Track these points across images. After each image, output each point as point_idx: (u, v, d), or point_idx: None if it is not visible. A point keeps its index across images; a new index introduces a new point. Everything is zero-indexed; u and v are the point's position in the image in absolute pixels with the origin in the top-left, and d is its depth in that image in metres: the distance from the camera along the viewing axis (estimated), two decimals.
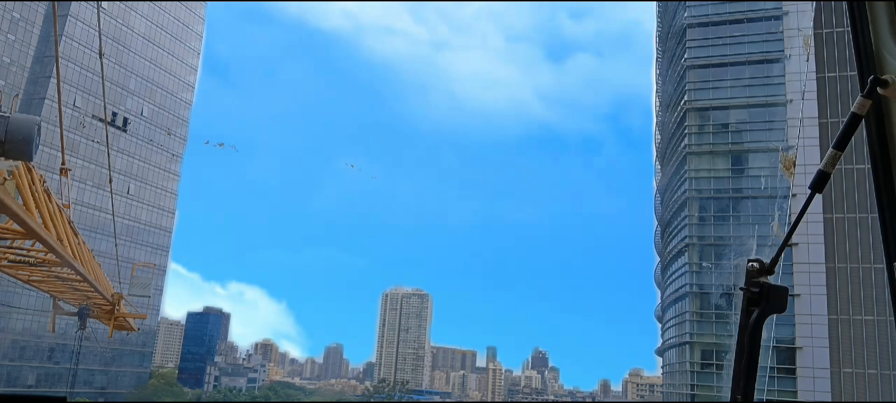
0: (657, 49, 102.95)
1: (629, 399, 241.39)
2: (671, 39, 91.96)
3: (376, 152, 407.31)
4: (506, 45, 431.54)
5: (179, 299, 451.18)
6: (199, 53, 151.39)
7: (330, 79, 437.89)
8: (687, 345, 79.02)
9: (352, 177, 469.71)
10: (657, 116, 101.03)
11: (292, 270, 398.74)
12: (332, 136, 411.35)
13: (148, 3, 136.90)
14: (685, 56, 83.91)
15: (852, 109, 2.72)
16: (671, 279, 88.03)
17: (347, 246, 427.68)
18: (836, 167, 2.74)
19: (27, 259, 23.49)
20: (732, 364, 2.77)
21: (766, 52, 79.66)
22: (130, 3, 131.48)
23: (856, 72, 2.91)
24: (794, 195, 54.64)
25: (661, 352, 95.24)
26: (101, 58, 33.21)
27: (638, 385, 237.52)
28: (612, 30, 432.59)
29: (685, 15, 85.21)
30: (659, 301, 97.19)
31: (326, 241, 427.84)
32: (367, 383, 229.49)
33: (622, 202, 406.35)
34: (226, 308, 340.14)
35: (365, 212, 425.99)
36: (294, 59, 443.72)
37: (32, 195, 17.05)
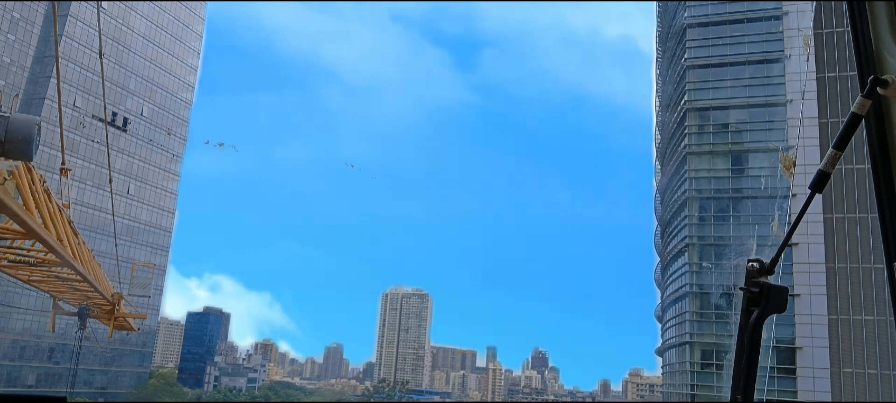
0: (657, 49, 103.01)
1: (629, 399, 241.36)
2: (671, 39, 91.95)
3: (376, 151, 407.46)
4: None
5: (180, 299, 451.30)
6: (199, 53, 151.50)
7: (328, 79, 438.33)
8: (687, 345, 79.00)
9: (352, 176, 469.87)
10: (657, 116, 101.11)
11: (292, 270, 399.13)
12: (331, 135, 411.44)
13: (148, 3, 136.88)
14: (685, 56, 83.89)
15: (852, 109, 2.72)
16: (671, 279, 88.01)
17: (348, 246, 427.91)
18: (836, 167, 2.74)
19: (27, 259, 23.48)
20: (732, 364, 2.77)
21: (766, 52, 79.64)
22: (130, 3, 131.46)
23: (856, 72, 2.91)
24: (794, 195, 54.67)
25: (661, 352, 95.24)
26: (101, 58, 33.23)
27: (638, 385, 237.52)
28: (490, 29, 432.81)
29: (685, 15, 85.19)
30: (659, 301, 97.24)
31: (327, 241, 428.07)
32: (367, 383, 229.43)
33: (622, 202, 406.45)
34: (226, 308, 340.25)
35: (365, 212, 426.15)
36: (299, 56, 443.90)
37: (32, 195, 17.04)
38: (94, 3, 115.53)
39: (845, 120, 2.72)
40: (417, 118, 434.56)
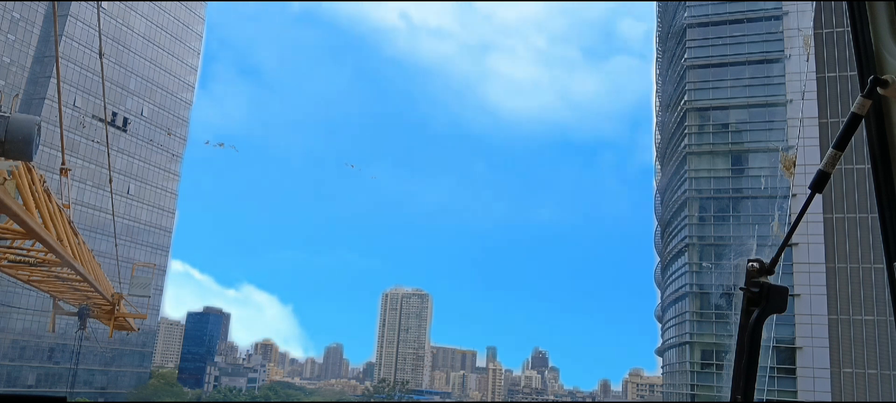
0: (657, 49, 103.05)
1: (629, 399, 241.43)
2: (671, 39, 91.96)
3: (377, 151, 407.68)
4: (548, 47, 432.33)
5: (181, 299, 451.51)
6: (199, 53, 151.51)
7: (338, 78, 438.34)
8: (687, 345, 79.02)
9: (352, 176, 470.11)
10: (657, 116, 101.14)
11: (292, 270, 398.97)
12: (333, 135, 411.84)
13: (148, 3, 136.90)
14: (685, 56, 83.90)
15: (852, 109, 2.72)
16: (671, 279, 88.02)
17: (348, 246, 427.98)
18: (836, 167, 2.74)
19: (27, 259, 23.48)
20: (732, 364, 2.77)
21: (766, 52, 79.65)
22: (130, 3, 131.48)
23: (856, 72, 2.91)
24: (794, 195, 54.66)
25: (661, 352, 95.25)
26: (101, 58, 33.23)
27: (638, 385, 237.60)
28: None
29: (685, 15, 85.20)
30: (659, 301, 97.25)
31: (327, 241, 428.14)
32: (367, 383, 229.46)
33: (622, 202, 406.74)
34: (225, 308, 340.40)
35: (365, 213, 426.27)
36: (307, 56, 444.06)
37: (32, 195, 17.04)
38: (94, 3, 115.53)
39: (845, 120, 2.72)
40: (418, 117, 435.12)
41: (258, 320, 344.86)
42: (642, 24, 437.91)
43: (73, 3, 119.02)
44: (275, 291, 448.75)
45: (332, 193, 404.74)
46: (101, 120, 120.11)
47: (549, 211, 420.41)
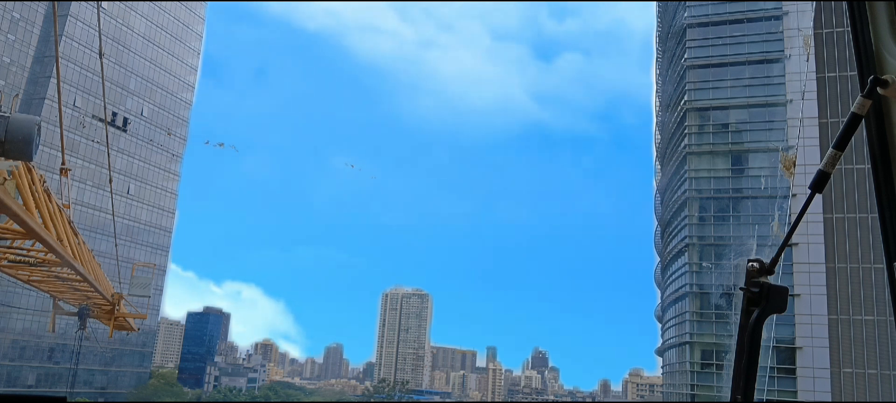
0: (657, 49, 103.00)
1: (629, 399, 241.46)
2: (671, 39, 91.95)
3: (377, 152, 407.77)
4: (493, 43, 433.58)
5: (180, 299, 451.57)
6: (198, 53, 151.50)
7: (329, 80, 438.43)
8: (687, 345, 79.01)
9: (352, 176, 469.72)
10: (657, 116, 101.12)
11: (292, 270, 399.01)
12: (332, 136, 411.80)
13: (148, 3, 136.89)
14: (685, 56, 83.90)
15: (852, 109, 2.73)
16: (671, 279, 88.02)
17: (347, 246, 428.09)
18: (836, 167, 2.74)
19: (27, 259, 23.48)
20: (732, 364, 2.77)
21: (766, 52, 79.65)
22: (130, 3, 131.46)
23: (856, 72, 2.91)
24: (794, 195, 54.67)
25: (661, 352, 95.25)
26: (101, 58, 33.24)
27: (638, 385, 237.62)
28: (597, 28, 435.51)
29: (685, 15, 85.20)
30: (659, 301, 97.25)
31: (326, 241, 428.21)
32: (367, 383, 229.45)
33: (622, 202, 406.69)
34: (226, 308, 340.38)
35: (365, 212, 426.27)
36: (291, 59, 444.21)
37: (32, 195, 17.03)
38: (94, 3, 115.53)
39: (845, 120, 2.72)
40: (418, 116, 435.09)
41: (251, 316, 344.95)
42: (569, 21, 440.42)
43: (73, 3, 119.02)
44: (275, 291, 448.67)
45: (332, 193, 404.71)
46: (101, 120, 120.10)
47: (549, 212, 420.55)
